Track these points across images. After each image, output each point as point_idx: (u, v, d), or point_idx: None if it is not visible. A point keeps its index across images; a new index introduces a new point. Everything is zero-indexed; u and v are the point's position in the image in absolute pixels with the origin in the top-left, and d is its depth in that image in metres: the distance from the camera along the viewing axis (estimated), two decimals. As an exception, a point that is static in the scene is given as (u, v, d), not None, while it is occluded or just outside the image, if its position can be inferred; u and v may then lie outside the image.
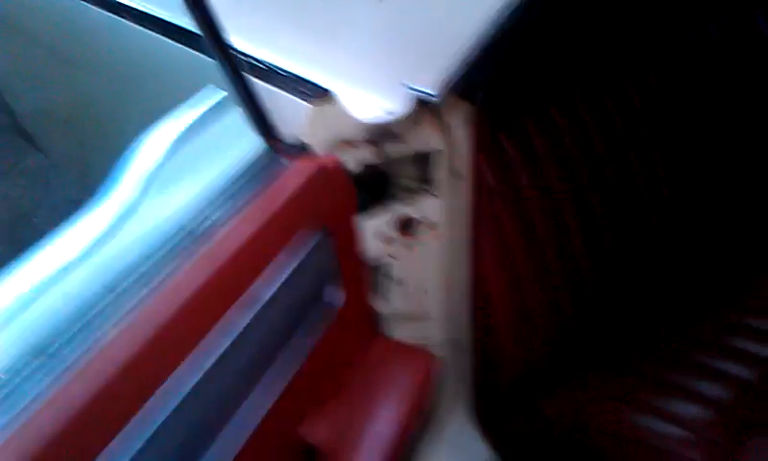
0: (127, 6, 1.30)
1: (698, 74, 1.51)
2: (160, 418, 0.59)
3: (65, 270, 0.62)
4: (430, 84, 0.89)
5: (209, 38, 0.69)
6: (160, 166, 0.71)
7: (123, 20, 1.27)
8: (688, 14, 1.52)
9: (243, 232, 0.69)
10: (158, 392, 0.60)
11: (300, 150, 0.81)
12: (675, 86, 1.46)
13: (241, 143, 0.78)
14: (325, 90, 0.87)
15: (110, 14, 1.34)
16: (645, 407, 1.17)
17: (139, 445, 0.57)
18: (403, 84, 0.91)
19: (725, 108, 1.55)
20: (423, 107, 0.92)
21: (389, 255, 1.02)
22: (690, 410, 1.15)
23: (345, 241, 0.84)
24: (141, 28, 1.21)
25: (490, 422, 1.28)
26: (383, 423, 0.86)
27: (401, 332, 1.08)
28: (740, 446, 1.07)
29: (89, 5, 1.42)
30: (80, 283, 0.62)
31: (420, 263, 1.05)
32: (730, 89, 1.56)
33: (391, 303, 1.08)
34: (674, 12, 1.50)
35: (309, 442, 0.83)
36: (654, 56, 1.44)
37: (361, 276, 0.93)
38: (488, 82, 0.91)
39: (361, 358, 0.93)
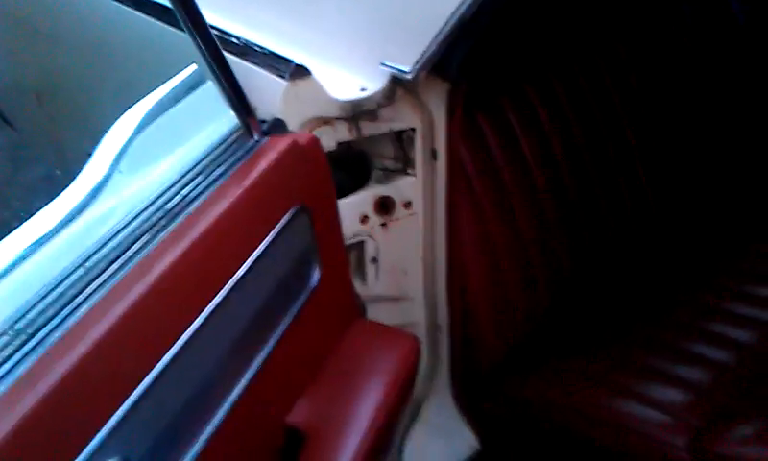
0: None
1: (670, 52, 1.52)
2: (134, 397, 0.58)
3: (36, 245, 0.61)
4: (406, 62, 0.89)
5: (183, 12, 0.68)
6: (132, 141, 0.70)
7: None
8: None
9: (216, 207, 0.68)
10: (131, 369, 0.59)
11: (276, 127, 0.80)
12: (647, 64, 1.47)
13: (215, 119, 0.78)
14: (301, 67, 0.87)
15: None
16: (625, 391, 1.18)
17: (113, 424, 0.57)
18: (380, 63, 0.91)
19: (697, 86, 1.56)
20: (399, 85, 0.92)
21: (367, 235, 1.02)
22: (669, 394, 1.15)
23: (322, 219, 0.83)
24: (117, 3, 1.20)
25: (470, 405, 1.29)
26: (365, 404, 0.86)
27: (382, 314, 1.08)
28: (720, 429, 1.08)
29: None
30: (51, 259, 0.61)
31: (397, 243, 1.05)
32: (701, 68, 1.57)
33: (370, 284, 1.07)
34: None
35: (291, 423, 0.82)
36: (626, 34, 1.45)
37: (340, 255, 0.93)
38: (464, 60, 0.90)
39: (342, 339, 0.93)
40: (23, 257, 0.61)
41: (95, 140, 0.73)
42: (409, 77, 0.89)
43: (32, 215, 0.65)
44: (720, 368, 1.21)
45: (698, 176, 1.55)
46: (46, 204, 0.67)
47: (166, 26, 1.08)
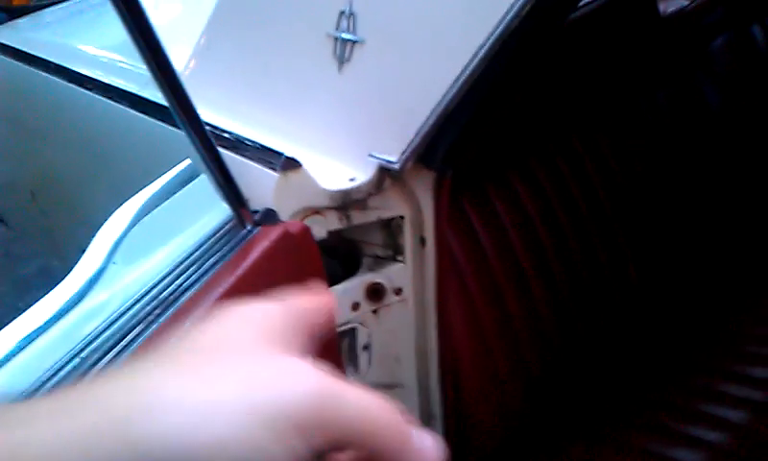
0: (92, 78, 1.33)
1: (646, 135, 1.57)
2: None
3: (31, 337, 0.61)
4: (393, 153, 0.92)
5: (179, 110, 0.71)
6: (127, 233, 0.72)
7: (89, 93, 1.30)
8: (638, 83, 1.60)
9: (210, 296, 0.69)
10: None
11: (267, 217, 0.82)
12: (625, 147, 1.52)
13: (209, 211, 0.80)
14: (291, 160, 0.90)
15: (76, 87, 1.36)
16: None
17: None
18: (368, 154, 0.94)
19: (675, 168, 1.61)
20: (387, 174, 0.95)
21: (358, 322, 1.02)
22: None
23: (313, 306, 0.84)
24: (110, 101, 1.24)
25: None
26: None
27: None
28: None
29: (54, 78, 1.44)
30: (46, 351, 0.61)
31: (389, 330, 1.06)
32: (678, 151, 1.63)
33: (362, 372, 1.07)
34: (624, 81, 1.58)
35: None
36: (603, 118, 1.51)
37: (331, 343, 0.93)
38: (448, 149, 0.94)
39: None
40: (18, 350, 0.61)
41: (89, 235, 0.75)
42: (396, 167, 0.92)
43: (26, 309, 0.66)
44: (715, 449, 1.21)
45: (681, 257, 1.58)
46: (40, 298, 0.68)
47: (159, 123, 1.12)
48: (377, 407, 0.33)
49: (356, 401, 0.33)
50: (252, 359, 0.33)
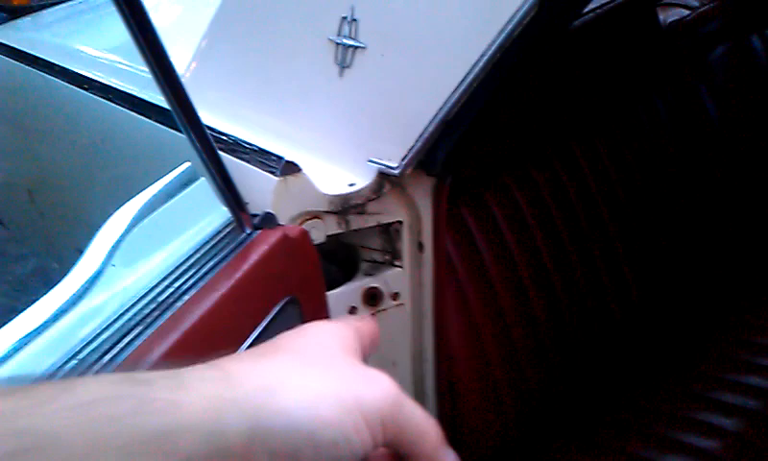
0: (92, 79, 1.33)
1: (645, 146, 1.58)
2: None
3: (28, 338, 0.61)
4: (393, 158, 0.93)
5: (180, 113, 0.71)
6: (126, 235, 0.71)
7: (89, 93, 1.30)
8: (637, 91, 1.61)
9: (208, 299, 0.69)
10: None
11: (267, 220, 0.82)
12: (624, 156, 1.53)
13: (208, 214, 0.80)
14: (291, 163, 0.90)
15: (75, 87, 1.36)
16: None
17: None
18: (367, 160, 0.94)
19: (671, 178, 1.62)
20: (386, 180, 0.95)
21: (355, 327, 1.02)
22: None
23: (312, 310, 0.85)
24: (110, 102, 1.24)
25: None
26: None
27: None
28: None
29: (54, 78, 1.44)
30: (43, 352, 0.61)
31: (385, 335, 1.05)
32: (677, 161, 1.63)
33: (358, 377, 1.07)
34: (623, 89, 1.59)
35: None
36: (602, 126, 1.51)
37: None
38: (447, 156, 0.94)
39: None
40: (15, 351, 0.61)
41: (87, 236, 0.74)
42: (396, 172, 0.92)
43: (23, 310, 0.66)
44: (709, 457, 1.22)
45: (677, 264, 1.59)
46: (37, 298, 0.68)
47: (159, 125, 1.12)
48: (429, 420, 0.43)
49: (418, 412, 0.43)
50: (342, 364, 0.43)
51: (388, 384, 0.42)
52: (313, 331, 0.46)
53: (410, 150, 0.91)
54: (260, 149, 0.94)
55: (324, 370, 0.42)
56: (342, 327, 0.47)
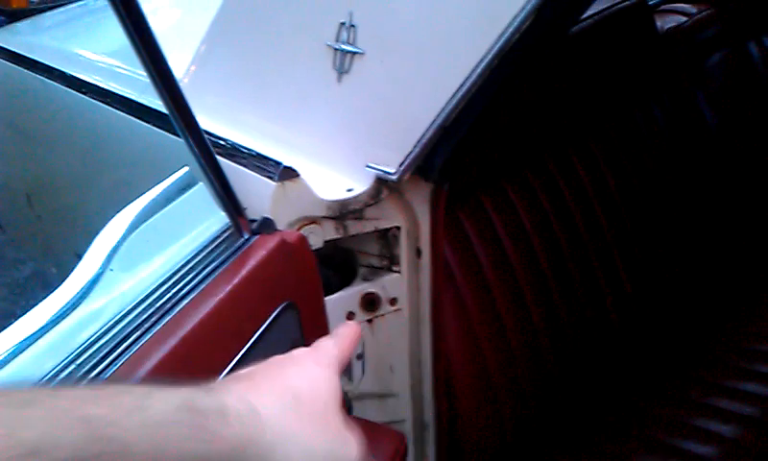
0: (91, 83, 1.33)
1: (642, 151, 1.58)
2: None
3: (27, 343, 0.61)
4: (391, 164, 0.93)
5: (179, 118, 0.71)
6: (124, 240, 0.72)
7: (87, 98, 1.30)
8: (634, 97, 1.61)
9: (206, 304, 0.70)
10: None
11: (265, 226, 0.82)
12: (621, 162, 1.53)
13: (206, 219, 0.80)
14: (289, 169, 0.90)
15: (74, 91, 1.36)
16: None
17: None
18: (365, 165, 0.95)
19: (667, 183, 1.62)
20: (384, 185, 0.96)
21: (352, 332, 1.02)
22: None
23: (309, 315, 0.85)
24: (109, 107, 1.24)
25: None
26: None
27: (369, 412, 1.07)
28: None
29: (52, 82, 1.44)
30: (42, 356, 0.61)
31: (383, 340, 1.06)
32: (673, 167, 1.64)
33: (356, 381, 1.07)
34: (621, 95, 1.59)
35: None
36: (600, 133, 1.52)
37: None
38: (445, 162, 0.94)
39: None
40: (13, 354, 0.61)
41: (85, 241, 0.75)
42: (394, 178, 0.92)
43: (21, 314, 0.66)
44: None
45: (674, 269, 1.59)
46: (35, 303, 0.68)
47: (157, 129, 1.12)
48: None
49: None
50: (332, 422, 0.53)
51: (359, 444, 0.53)
52: (310, 374, 0.54)
53: (408, 155, 0.91)
54: (258, 154, 0.94)
55: (319, 429, 0.51)
56: (333, 377, 0.55)
